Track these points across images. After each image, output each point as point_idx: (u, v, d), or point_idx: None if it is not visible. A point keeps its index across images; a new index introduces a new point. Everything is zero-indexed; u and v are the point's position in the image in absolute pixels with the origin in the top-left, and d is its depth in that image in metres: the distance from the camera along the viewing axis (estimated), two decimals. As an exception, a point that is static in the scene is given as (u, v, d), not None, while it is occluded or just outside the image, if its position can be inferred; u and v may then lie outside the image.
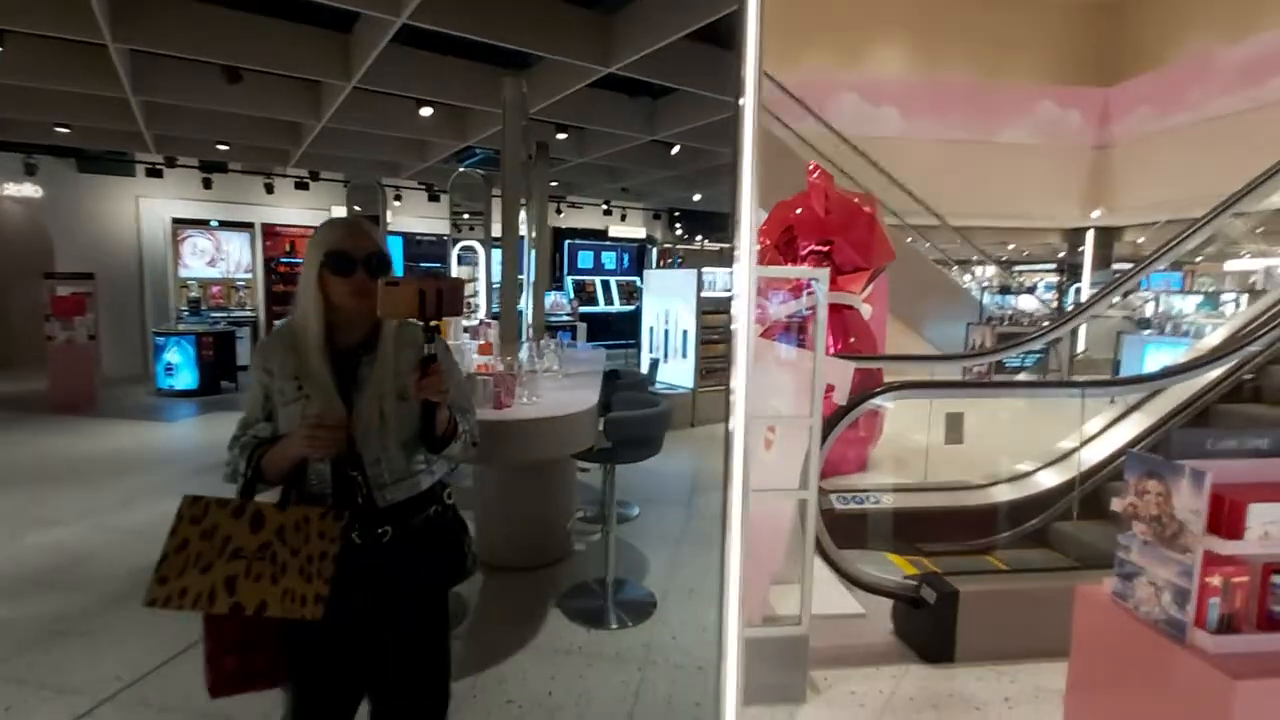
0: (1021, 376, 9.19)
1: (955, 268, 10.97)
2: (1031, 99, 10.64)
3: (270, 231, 10.36)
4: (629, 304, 12.93)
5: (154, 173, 9.27)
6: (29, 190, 8.66)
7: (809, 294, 3.77)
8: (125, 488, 4.59)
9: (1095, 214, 11.28)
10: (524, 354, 3.20)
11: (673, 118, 6.78)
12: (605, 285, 13.41)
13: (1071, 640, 1.59)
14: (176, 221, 9.51)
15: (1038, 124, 10.71)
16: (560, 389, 3.09)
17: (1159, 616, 1.34)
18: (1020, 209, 11.22)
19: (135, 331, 9.34)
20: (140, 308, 9.50)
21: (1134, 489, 1.41)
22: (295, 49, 5.13)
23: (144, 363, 9.14)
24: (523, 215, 4.35)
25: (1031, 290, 12.48)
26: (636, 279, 13.29)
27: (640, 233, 14.84)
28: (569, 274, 13.19)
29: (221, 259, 9.98)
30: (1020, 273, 14.98)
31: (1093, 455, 3.85)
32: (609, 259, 13.80)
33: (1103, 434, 4.02)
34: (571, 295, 12.42)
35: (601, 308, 12.96)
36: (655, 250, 14.75)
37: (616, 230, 14.43)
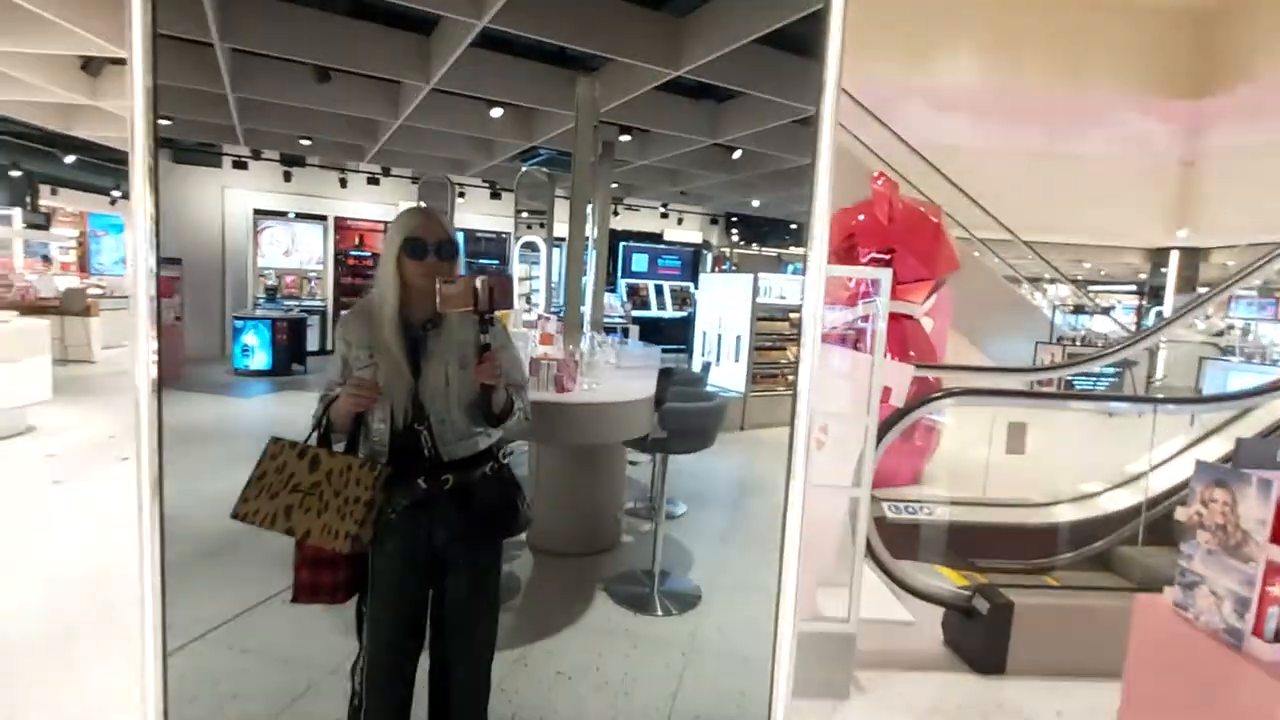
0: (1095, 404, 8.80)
1: (1026, 285, 10.59)
2: (1114, 110, 10.17)
3: (341, 225, 10.86)
4: (681, 310, 12.94)
5: (239, 165, 9.87)
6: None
7: (865, 302, 3.74)
8: (209, 457, 4.93)
9: (1180, 234, 10.70)
10: (585, 344, 3.31)
11: (736, 121, 6.83)
12: (659, 290, 13.46)
13: (1128, 648, 1.57)
14: (258, 213, 10.11)
15: (1120, 136, 10.24)
16: (618, 379, 3.19)
17: (1218, 625, 1.32)
18: (1098, 226, 10.75)
19: (216, 315, 9.94)
20: (221, 293, 10.11)
21: (1200, 497, 1.39)
22: (380, 50, 5.42)
23: (222, 344, 9.73)
24: (587, 211, 4.48)
25: (1108, 311, 11.90)
26: (690, 285, 13.30)
27: (696, 237, 14.84)
28: (622, 276, 13.31)
29: (296, 250, 10.53)
30: (1096, 293, 14.33)
31: (1164, 479, 3.69)
32: (664, 262, 13.88)
33: (1176, 458, 3.85)
34: (624, 298, 12.53)
35: (654, 312, 13.01)
36: (710, 255, 14.75)
37: (672, 234, 14.48)
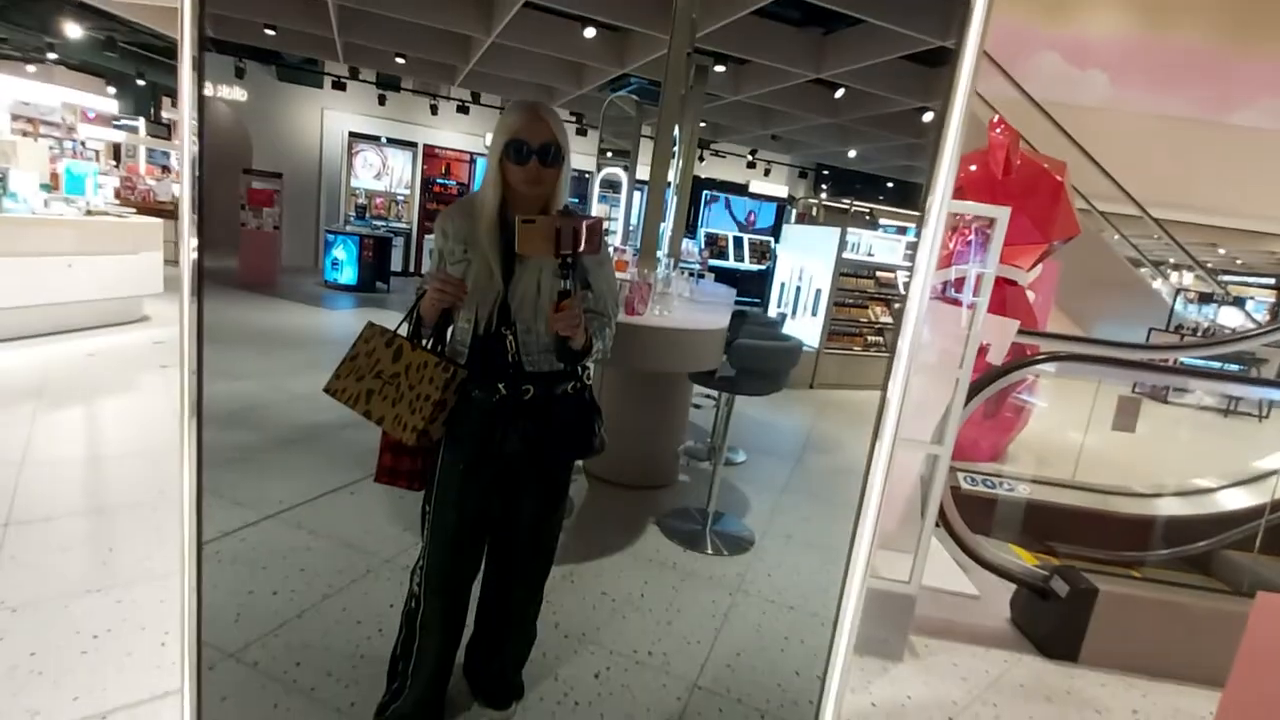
0: (1210, 401, 7.98)
1: (1148, 267, 9.58)
2: (1282, 75, 8.84)
3: (430, 153, 11.04)
4: (760, 264, 12.55)
5: (338, 86, 10.07)
6: (237, 93, 9.74)
7: (960, 266, 3.42)
8: (293, 359, 5.19)
9: (1342, 221, 9.38)
10: (661, 271, 3.20)
11: (842, 54, 6.32)
12: (738, 241, 13.08)
13: (1240, 646, 1.37)
14: (352, 135, 10.41)
15: (1285, 107, 8.91)
16: (690, 310, 3.07)
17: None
18: (1240, 207, 9.52)
19: (310, 228, 10.40)
20: (316, 208, 10.54)
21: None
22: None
23: (315, 256, 10.19)
24: (674, 134, 4.27)
25: (1240, 304, 10.64)
26: (771, 240, 12.83)
27: (782, 191, 14.21)
28: (702, 225, 12.98)
29: (386, 174, 10.82)
30: (1229, 283, 12.83)
31: (1289, 483, 3.28)
32: (744, 212, 13.41)
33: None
34: (702, 246, 12.23)
35: (731, 263, 12.67)
36: (794, 210, 14.13)
37: (758, 186, 13.92)
